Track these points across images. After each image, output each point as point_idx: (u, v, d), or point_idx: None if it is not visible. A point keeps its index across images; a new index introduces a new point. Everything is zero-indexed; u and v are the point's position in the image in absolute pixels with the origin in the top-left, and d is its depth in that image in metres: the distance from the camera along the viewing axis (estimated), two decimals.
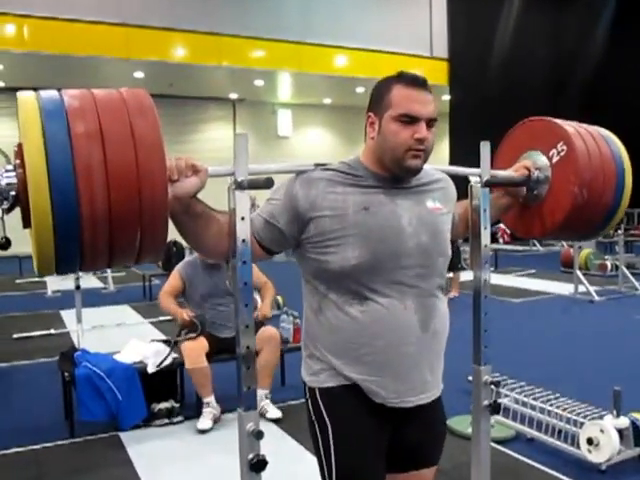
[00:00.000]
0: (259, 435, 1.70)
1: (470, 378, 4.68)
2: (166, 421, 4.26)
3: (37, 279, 12.39)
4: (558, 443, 3.70)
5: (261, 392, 4.36)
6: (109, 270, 11.33)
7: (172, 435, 4.13)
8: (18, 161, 1.49)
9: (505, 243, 16.28)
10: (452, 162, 16.90)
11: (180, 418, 4.30)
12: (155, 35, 13.85)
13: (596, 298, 8.87)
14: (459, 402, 3.58)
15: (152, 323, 7.85)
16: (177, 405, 4.33)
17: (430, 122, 1.68)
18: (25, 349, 6.69)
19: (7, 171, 1.53)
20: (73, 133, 1.40)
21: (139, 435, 4.11)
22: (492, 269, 12.22)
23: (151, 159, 1.45)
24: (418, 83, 1.69)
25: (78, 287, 6.06)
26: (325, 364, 1.78)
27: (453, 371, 4.13)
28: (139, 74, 15.45)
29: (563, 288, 9.88)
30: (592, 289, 8.99)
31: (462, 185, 2.17)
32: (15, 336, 7.17)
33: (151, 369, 4.25)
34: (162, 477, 3.61)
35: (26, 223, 1.49)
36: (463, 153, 16.23)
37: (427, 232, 1.75)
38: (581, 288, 9.16)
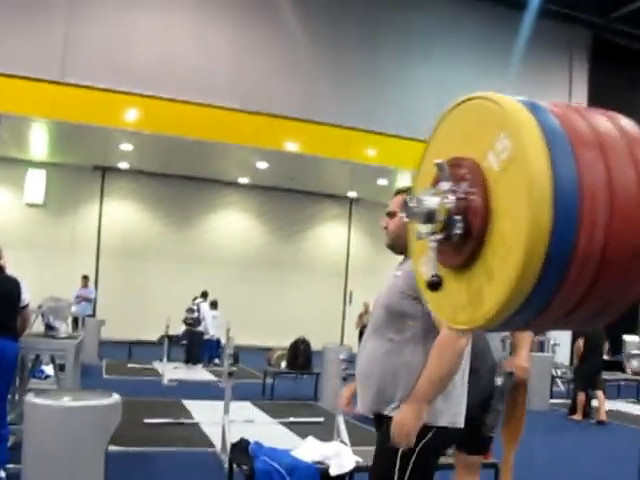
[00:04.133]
0: None
1: None
2: None
3: (148, 365, 12.61)
4: None
5: None
6: (226, 364, 11.31)
7: None
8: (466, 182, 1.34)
9: (634, 373, 15.07)
10: None
11: None
12: (283, 125, 14.37)
13: None
14: None
15: (283, 424, 7.64)
16: None
17: (388, 214, 2.71)
18: (158, 436, 6.66)
19: (450, 191, 1.37)
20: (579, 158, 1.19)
21: None
22: (635, 400, 11.50)
23: None
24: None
25: (231, 374, 6.01)
26: None
27: None
28: (262, 164, 15.98)
29: None
30: None
31: None
32: (146, 421, 7.14)
33: (334, 471, 4.01)
34: None
35: (469, 260, 1.32)
36: None
37: (385, 290, 2.64)
38: None
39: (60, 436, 3.21)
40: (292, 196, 18.65)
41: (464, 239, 1.33)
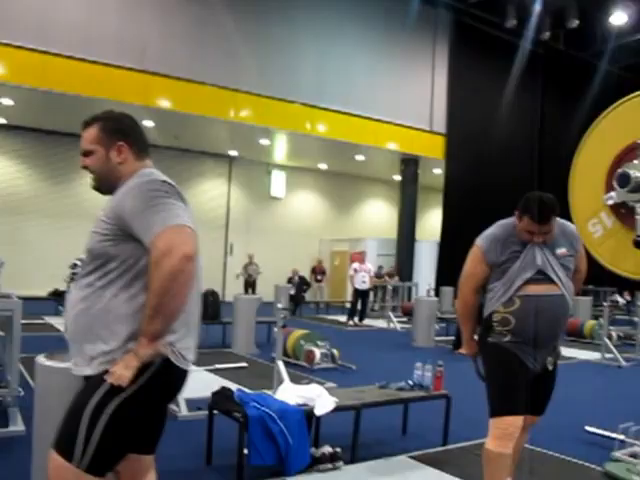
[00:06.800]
0: None
1: (587, 428, 4.92)
2: (330, 466, 4.01)
3: (40, 320, 11.84)
4: None
5: None
6: None
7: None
8: None
9: None
10: (444, 230, 17.28)
11: (341, 463, 4.07)
12: (169, 84, 13.73)
13: (624, 364, 9.32)
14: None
15: (209, 371, 7.49)
16: (339, 450, 4.10)
17: (84, 154, 2.20)
18: None
19: None
20: None
21: None
22: None
23: None
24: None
25: None
26: None
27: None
28: (149, 122, 15.24)
29: (583, 354, 10.20)
30: (619, 356, 9.42)
31: None
32: None
33: (319, 411, 4.02)
34: None
35: None
36: (456, 223, 16.88)
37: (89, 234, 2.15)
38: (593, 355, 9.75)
39: None
40: (175, 154, 18.02)
41: None
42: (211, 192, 19.32)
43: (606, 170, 1.71)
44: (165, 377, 2.05)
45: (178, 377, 2.13)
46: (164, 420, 2.29)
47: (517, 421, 2.96)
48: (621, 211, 1.58)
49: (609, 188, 1.82)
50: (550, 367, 3.13)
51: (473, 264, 3.18)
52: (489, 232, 3.19)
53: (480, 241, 3.17)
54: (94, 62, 12.65)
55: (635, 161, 1.47)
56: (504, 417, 2.97)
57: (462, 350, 3.34)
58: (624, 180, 1.40)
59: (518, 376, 3.03)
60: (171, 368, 2.05)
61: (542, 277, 3.02)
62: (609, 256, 1.60)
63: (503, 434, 2.95)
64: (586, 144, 1.70)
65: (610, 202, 1.56)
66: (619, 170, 1.64)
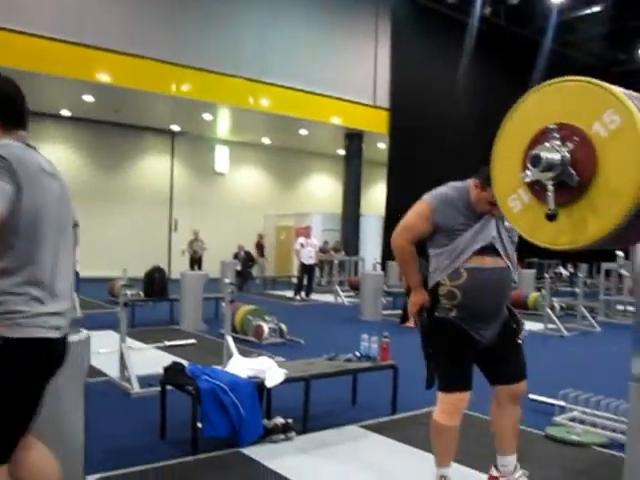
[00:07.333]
0: None
1: (531, 396, 5.19)
2: (282, 437, 4.12)
3: None
4: None
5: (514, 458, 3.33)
6: (75, 295, 10.68)
7: (300, 450, 4.00)
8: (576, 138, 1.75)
9: None
10: (388, 204, 17.51)
11: (293, 434, 4.18)
12: (110, 58, 13.40)
13: (565, 334, 9.69)
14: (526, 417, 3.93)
15: (159, 348, 7.47)
16: (291, 421, 4.20)
17: None
18: None
19: (561, 146, 1.71)
20: None
21: (265, 451, 3.94)
22: None
23: None
24: None
25: (126, 304, 5.75)
26: None
27: None
28: (89, 97, 14.88)
29: (527, 325, 10.54)
30: (562, 326, 9.83)
31: None
32: None
33: (269, 383, 4.11)
34: None
35: (574, 199, 1.76)
36: (400, 197, 17.05)
37: None
38: (537, 326, 10.17)
39: None
40: (117, 129, 17.64)
41: (575, 184, 1.78)
42: (154, 168, 19.07)
43: (524, 150, 1.86)
44: (19, 353, 1.97)
45: (40, 349, 2.02)
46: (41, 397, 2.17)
47: (465, 396, 3.01)
48: (536, 188, 1.72)
49: (526, 167, 1.95)
50: (520, 340, 3.21)
51: (416, 218, 3.04)
52: (441, 191, 3.07)
53: (431, 198, 3.04)
54: (31, 34, 12.21)
55: (546, 143, 1.67)
56: (453, 393, 3.00)
57: (411, 314, 3.20)
58: (536, 161, 1.59)
59: (466, 353, 3.02)
60: (26, 343, 1.97)
61: (490, 249, 2.98)
62: (527, 229, 1.77)
63: (452, 409, 3.01)
64: (508, 123, 1.81)
65: (527, 180, 1.72)
66: (531, 152, 1.78)
